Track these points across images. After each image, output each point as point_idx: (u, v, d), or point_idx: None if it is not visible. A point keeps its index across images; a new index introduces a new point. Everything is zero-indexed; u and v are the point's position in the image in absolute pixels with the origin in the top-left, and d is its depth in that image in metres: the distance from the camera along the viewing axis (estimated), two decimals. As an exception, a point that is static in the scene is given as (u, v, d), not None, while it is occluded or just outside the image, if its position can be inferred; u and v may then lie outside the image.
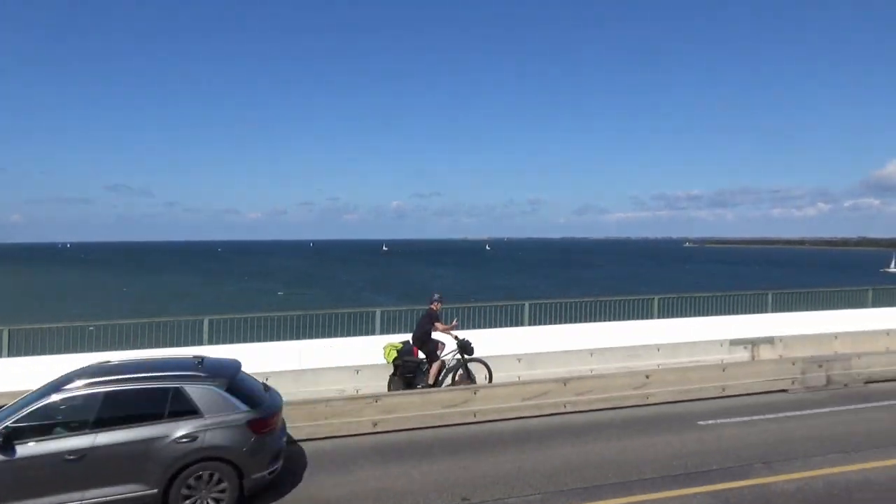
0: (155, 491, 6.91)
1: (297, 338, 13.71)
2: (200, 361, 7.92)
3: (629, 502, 7.35)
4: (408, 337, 12.52)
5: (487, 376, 12.60)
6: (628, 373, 12.43)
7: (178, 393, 7.22)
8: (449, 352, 12.37)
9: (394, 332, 14.03)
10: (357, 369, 12.41)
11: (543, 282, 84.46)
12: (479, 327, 15.14)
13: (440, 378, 12.14)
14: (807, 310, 18.59)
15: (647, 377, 12.07)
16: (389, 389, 11.99)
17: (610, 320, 16.36)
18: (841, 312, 18.46)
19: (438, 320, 12.33)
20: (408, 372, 12.05)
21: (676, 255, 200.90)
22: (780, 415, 11.10)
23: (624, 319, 16.51)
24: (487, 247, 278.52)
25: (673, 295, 17.85)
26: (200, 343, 12.95)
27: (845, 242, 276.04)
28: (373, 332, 14.20)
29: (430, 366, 12.06)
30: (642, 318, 16.84)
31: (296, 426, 9.59)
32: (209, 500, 7.08)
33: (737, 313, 17.97)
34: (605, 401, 11.62)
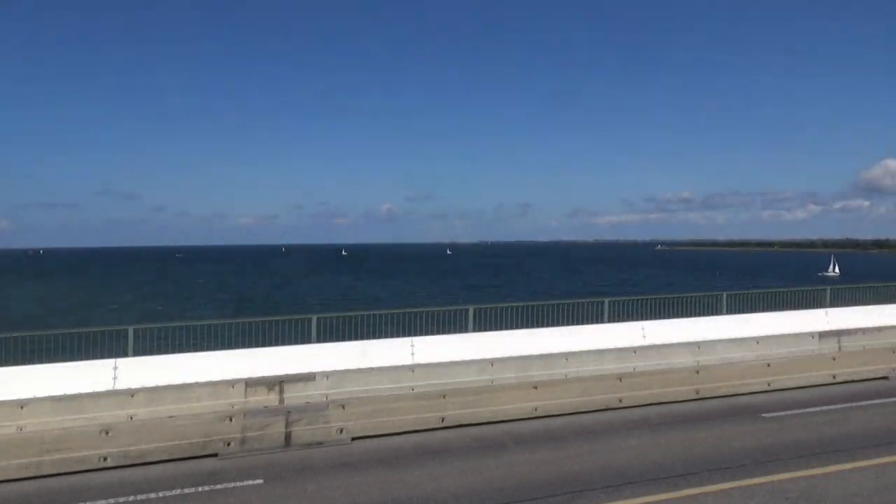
0: None
1: None
2: None
3: None
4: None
5: None
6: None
7: None
8: None
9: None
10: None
11: (432, 288, 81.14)
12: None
13: None
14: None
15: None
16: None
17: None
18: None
19: None
20: None
21: (635, 260, 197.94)
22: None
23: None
24: (448, 251, 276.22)
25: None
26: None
27: (812, 244, 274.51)
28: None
29: None
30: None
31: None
32: None
33: None
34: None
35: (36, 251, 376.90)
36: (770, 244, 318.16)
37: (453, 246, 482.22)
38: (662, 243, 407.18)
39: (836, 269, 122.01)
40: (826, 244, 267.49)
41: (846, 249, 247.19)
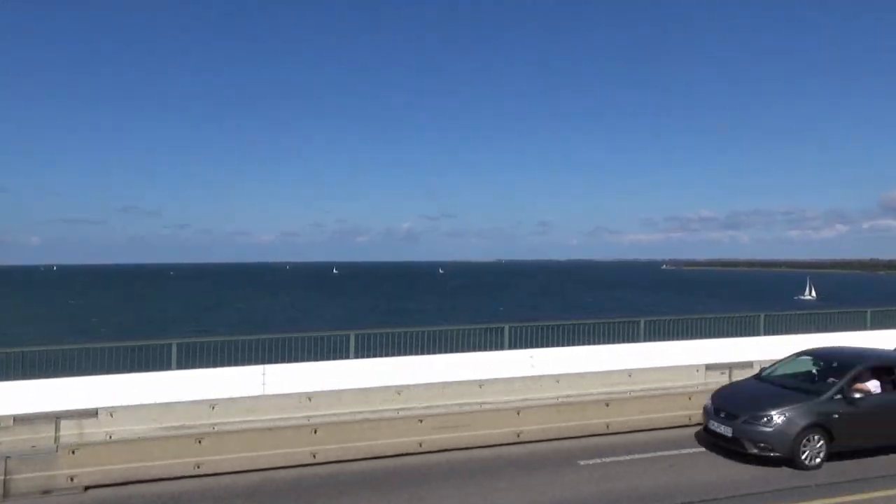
0: None
1: None
2: None
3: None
4: None
5: None
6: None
7: None
8: None
9: None
10: None
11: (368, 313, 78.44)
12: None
13: None
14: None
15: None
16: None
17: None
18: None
19: None
20: None
21: (627, 281, 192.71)
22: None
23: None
24: (441, 270, 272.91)
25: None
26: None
27: (820, 265, 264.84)
28: None
29: None
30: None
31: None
32: None
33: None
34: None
35: (49, 267, 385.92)
36: (777, 264, 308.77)
37: (469, 264, 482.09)
38: (669, 262, 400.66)
39: (813, 293, 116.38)
40: (834, 265, 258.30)
41: (854, 270, 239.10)
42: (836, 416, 9.56)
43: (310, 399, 11.14)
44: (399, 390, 11.65)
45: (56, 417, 10.03)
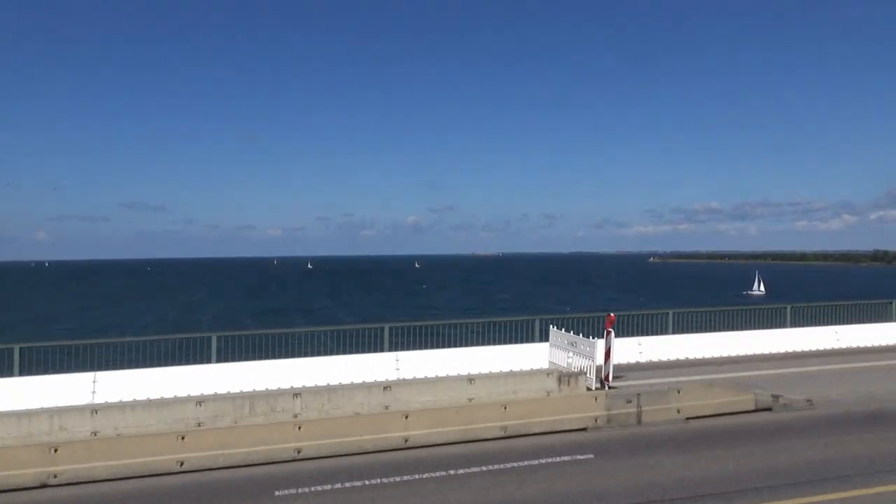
0: None
1: None
2: None
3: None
4: None
5: None
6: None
7: None
8: None
9: None
10: None
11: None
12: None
13: None
14: None
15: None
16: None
17: None
18: None
19: None
20: None
21: (599, 275, 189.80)
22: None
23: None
24: (417, 264, 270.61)
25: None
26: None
27: (804, 257, 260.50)
28: None
29: None
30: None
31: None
32: None
33: None
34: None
35: (41, 263, 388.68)
36: (763, 256, 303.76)
37: (474, 257, 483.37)
38: (656, 255, 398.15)
39: (762, 288, 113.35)
40: (817, 257, 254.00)
41: (839, 262, 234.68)
42: None
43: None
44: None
45: None
